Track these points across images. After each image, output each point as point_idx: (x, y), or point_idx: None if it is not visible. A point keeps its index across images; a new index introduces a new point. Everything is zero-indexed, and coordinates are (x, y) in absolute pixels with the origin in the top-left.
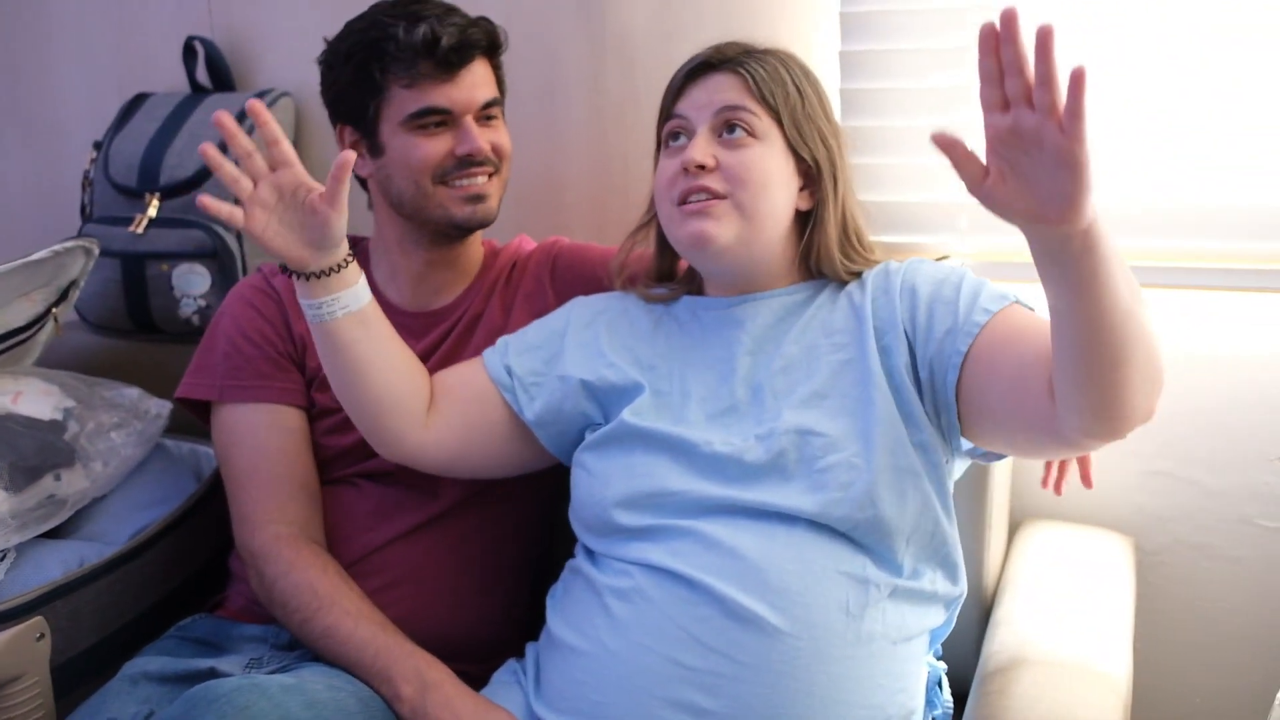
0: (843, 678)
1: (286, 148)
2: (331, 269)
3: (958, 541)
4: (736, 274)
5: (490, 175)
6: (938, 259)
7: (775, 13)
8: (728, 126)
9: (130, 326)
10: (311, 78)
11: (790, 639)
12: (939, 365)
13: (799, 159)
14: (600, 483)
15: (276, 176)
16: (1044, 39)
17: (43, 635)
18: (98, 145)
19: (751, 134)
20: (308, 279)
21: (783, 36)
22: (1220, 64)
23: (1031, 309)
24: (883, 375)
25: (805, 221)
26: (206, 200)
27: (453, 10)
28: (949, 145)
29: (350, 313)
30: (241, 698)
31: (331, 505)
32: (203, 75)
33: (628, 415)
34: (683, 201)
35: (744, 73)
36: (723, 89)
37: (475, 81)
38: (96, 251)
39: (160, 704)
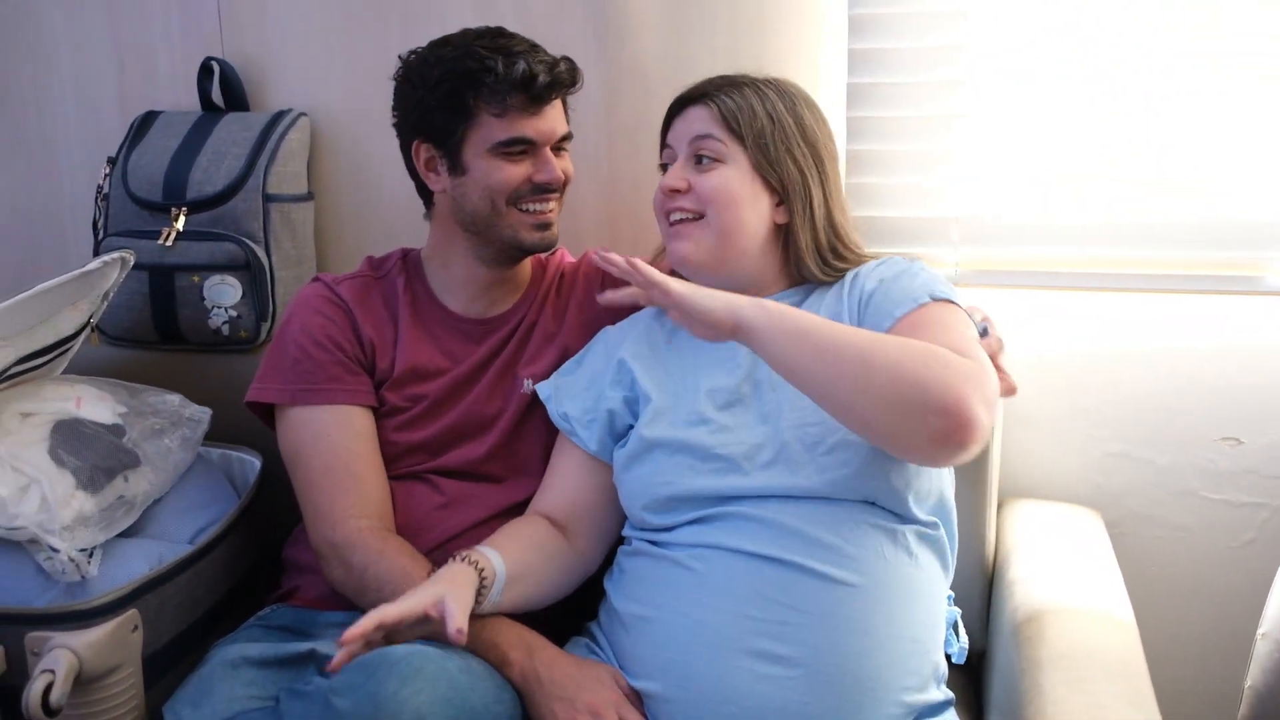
0: (890, 615)
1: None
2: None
3: (954, 509)
4: (720, 285)
5: (558, 200)
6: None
7: (784, 44)
8: (699, 156)
9: (153, 337)
10: (326, 97)
11: (844, 586)
12: None
13: (770, 179)
14: (632, 492)
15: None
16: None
17: (136, 627)
18: (111, 161)
19: (718, 160)
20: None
21: (790, 67)
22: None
23: (958, 304)
24: None
25: (788, 231)
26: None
27: (537, 48)
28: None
29: (501, 592)
30: (415, 660)
31: (401, 498)
32: (217, 95)
33: (642, 428)
34: (668, 219)
35: (713, 105)
36: (696, 120)
37: (556, 116)
38: (131, 263)
39: (264, 686)
